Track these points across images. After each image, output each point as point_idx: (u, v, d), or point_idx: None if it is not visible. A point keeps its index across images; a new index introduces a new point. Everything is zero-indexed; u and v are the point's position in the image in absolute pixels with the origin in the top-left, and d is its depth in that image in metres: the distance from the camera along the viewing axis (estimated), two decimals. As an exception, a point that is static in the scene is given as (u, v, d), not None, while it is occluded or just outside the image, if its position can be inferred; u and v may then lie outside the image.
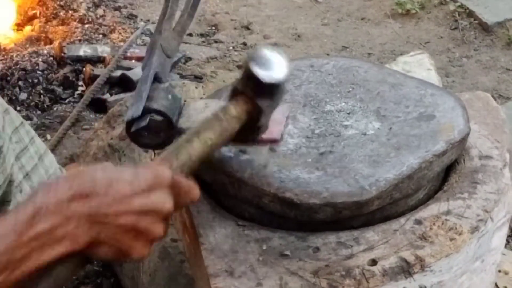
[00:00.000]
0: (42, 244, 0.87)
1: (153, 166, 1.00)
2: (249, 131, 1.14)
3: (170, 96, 1.19)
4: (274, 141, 1.22)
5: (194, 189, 0.99)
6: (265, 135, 1.19)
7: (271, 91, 1.11)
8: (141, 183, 0.92)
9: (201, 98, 1.73)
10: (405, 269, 1.10)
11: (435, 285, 1.13)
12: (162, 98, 1.17)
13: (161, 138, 1.19)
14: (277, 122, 1.24)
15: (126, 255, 0.93)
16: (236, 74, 2.97)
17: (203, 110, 1.24)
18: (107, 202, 0.90)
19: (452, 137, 1.24)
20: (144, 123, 1.16)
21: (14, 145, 1.45)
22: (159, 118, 1.17)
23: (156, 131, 1.18)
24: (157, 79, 1.19)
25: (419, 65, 2.33)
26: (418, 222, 1.18)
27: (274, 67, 1.09)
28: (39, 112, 2.71)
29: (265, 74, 1.08)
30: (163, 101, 1.17)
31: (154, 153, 1.42)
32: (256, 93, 1.10)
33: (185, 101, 1.26)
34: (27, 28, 3.16)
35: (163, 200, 0.94)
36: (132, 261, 1.02)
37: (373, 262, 1.10)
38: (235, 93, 1.12)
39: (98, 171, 0.93)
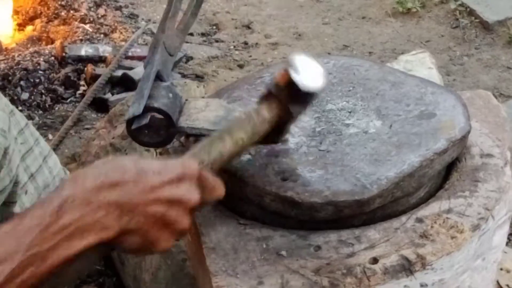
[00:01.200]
0: (70, 235, 0.87)
1: (181, 159, 1.00)
2: (274, 134, 1.15)
3: (171, 95, 1.19)
4: (272, 142, 1.22)
5: (220, 186, 1.01)
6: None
7: (306, 99, 1.12)
8: (170, 174, 0.93)
9: (202, 97, 1.73)
10: (406, 267, 1.10)
11: (436, 283, 1.13)
12: (163, 97, 1.17)
13: (162, 137, 1.20)
14: None
15: (152, 246, 0.94)
16: (237, 73, 2.97)
17: (204, 109, 1.25)
18: (137, 191, 0.90)
19: (453, 135, 1.25)
20: (145, 121, 1.17)
21: (20, 146, 1.46)
22: (159, 116, 1.18)
23: (157, 130, 1.18)
24: (159, 77, 1.19)
25: (421, 64, 2.33)
26: (419, 220, 1.18)
27: (313, 76, 1.10)
28: (40, 112, 2.71)
29: (304, 83, 1.09)
30: (164, 99, 1.17)
31: (156, 152, 1.42)
32: (291, 100, 1.11)
33: (186, 100, 1.27)
34: (29, 28, 3.16)
35: (191, 192, 0.95)
36: (156, 253, 1.03)
37: (374, 260, 1.11)
38: (268, 96, 1.12)
39: (127, 160, 0.93)
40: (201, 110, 1.25)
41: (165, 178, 0.93)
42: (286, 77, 1.09)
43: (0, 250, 0.84)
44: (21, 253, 0.84)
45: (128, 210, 0.90)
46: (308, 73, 1.10)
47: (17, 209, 1.43)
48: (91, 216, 0.88)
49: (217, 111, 1.24)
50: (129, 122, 1.17)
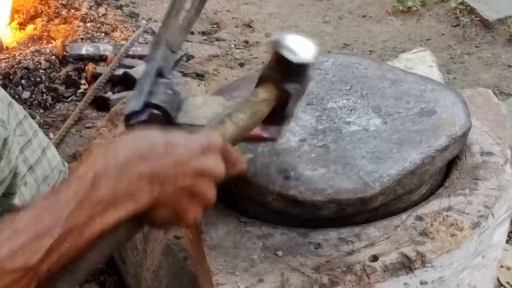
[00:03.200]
0: (105, 208, 0.87)
1: (205, 132, 1.02)
2: (278, 117, 1.15)
3: (170, 91, 1.19)
4: (272, 140, 1.23)
5: (242, 160, 1.03)
6: (265, 134, 1.19)
7: (299, 73, 1.12)
8: (197, 146, 0.95)
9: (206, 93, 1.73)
10: (406, 265, 1.10)
11: (436, 281, 1.13)
12: (162, 93, 1.17)
13: None
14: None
15: (181, 218, 0.95)
16: (238, 72, 2.97)
17: (202, 106, 1.25)
18: (166, 163, 0.92)
19: (453, 132, 1.25)
20: (143, 117, 1.17)
21: (18, 138, 1.46)
22: (158, 112, 1.18)
23: (155, 126, 1.18)
24: (160, 74, 1.19)
25: (421, 62, 2.33)
26: (419, 218, 1.18)
27: (301, 49, 1.11)
28: (41, 111, 2.71)
29: (293, 55, 1.09)
30: (163, 96, 1.17)
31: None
32: (284, 76, 1.11)
33: (185, 96, 1.26)
34: (30, 27, 3.16)
35: (217, 164, 0.97)
36: (185, 225, 1.05)
37: (374, 258, 1.11)
38: (263, 79, 1.13)
39: (155, 133, 0.95)
40: (199, 107, 1.25)
41: (193, 150, 0.95)
42: (275, 54, 1.10)
43: (40, 225, 0.85)
44: (60, 227, 0.85)
45: (159, 182, 0.91)
46: (297, 46, 1.10)
47: (16, 200, 1.44)
48: (124, 188, 0.89)
49: (216, 108, 1.25)
50: (128, 117, 1.17)
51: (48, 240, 0.84)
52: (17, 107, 1.52)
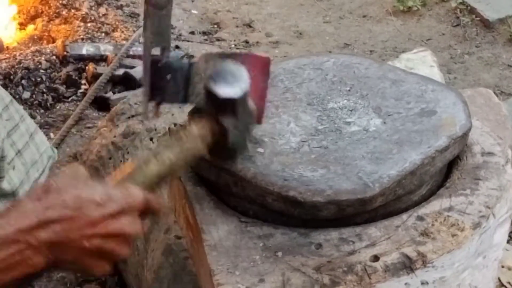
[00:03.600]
0: None
1: (125, 187, 0.98)
2: (224, 150, 1.13)
3: (169, 76, 1.17)
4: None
5: (162, 206, 1.01)
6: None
7: (232, 107, 1.08)
8: (112, 206, 0.92)
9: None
10: (407, 265, 1.10)
11: (437, 281, 1.13)
12: (162, 87, 1.17)
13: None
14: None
15: (87, 272, 0.94)
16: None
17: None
18: (74, 227, 0.90)
19: (454, 132, 1.25)
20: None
21: (5, 123, 1.47)
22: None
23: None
24: (156, 61, 1.18)
25: (422, 62, 2.33)
26: (420, 218, 1.18)
27: (233, 83, 1.07)
28: (42, 111, 2.72)
29: (222, 90, 1.06)
30: (163, 89, 1.17)
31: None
32: (217, 111, 1.08)
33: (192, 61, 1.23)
34: (30, 27, 3.17)
35: (132, 225, 0.94)
36: (93, 276, 1.03)
37: (375, 258, 1.11)
38: (197, 113, 1.11)
39: (69, 190, 0.91)
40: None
41: (107, 211, 0.92)
42: (205, 87, 1.08)
43: None
44: None
45: (61, 246, 0.89)
46: (229, 81, 1.07)
47: (5, 184, 1.45)
48: (18, 255, 0.88)
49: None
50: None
51: None
52: (2, 91, 1.52)
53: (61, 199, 0.90)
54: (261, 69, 1.18)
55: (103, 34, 3.12)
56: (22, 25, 3.20)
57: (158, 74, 1.17)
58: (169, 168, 1.05)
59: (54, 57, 2.86)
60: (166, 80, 1.16)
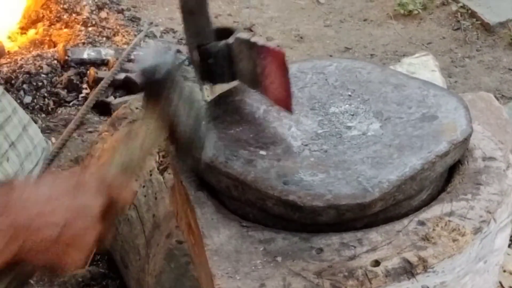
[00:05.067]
0: None
1: (73, 171, 0.99)
2: (180, 141, 1.15)
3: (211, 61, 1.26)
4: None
5: (127, 191, 1.01)
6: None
7: (152, 87, 1.10)
8: (64, 188, 0.92)
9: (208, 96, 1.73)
10: (408, 270, 1.10)
11: (438, 286, 1.13)
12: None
13: None
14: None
15: (59, 265, 0.92)
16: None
17: None
18: (27, 216, 0.89)
19: (454, 138, 1.25)
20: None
21: None
22: None
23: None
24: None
25: (424, 67, 2.34)
26: (421, 223, 1.18)
27: (153, 65, 1.10)
28: (43, 115, 2.72)
29: (135, 74, 1.10)
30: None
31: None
32: (147, 96, 1.11)
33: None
34: (31, 32, 3.17)
35: (86, 231, 0.93)
36: (67, 272, 0.98)
37: (376, 263, 1.11)
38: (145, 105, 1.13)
39: (20, 184, 0.91)
40: None
41: (61, 193, 0.91)
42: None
43: None
44: None
45: (16, 236, 0.88)
46: (148, 63, 1.10)
47: None
48: None
49: None
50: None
51: None
52: None
53: (14, 191, 0.90)
54: (277, 64, 1.23)
55: (104, 39, 3.12)
56: (23, 30, 3.21)
57: (202, 60, 1.29)
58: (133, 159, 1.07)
59: (55, 61, 2.87)
60: (209, 64, 1.29)
